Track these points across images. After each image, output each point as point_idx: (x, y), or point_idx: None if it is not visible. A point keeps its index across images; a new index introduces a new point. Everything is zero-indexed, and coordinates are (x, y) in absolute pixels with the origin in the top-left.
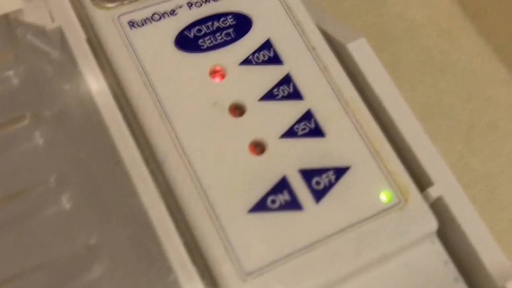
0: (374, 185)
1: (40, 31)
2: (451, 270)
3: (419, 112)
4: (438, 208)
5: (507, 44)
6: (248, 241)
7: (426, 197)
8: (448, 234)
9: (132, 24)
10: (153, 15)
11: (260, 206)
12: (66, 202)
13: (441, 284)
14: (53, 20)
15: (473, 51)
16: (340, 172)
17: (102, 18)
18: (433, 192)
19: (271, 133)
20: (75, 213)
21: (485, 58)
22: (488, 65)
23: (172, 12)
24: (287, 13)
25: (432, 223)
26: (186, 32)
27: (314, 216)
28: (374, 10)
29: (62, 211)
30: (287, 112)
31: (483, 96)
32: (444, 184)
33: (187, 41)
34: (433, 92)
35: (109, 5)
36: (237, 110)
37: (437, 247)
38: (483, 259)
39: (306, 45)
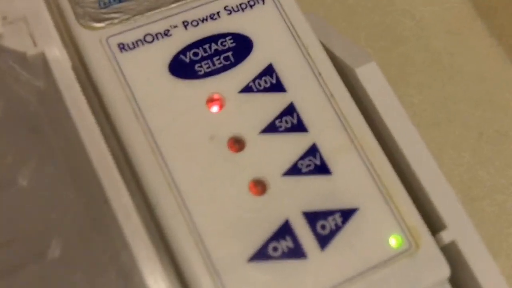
0: (383, 229)
1: (21, 57)
2: None
3: (425, 118)
4: (451, 253)
5: None
6: None
7: (438, 241)
8: (460, 279)
9: (122, 46)
10: (145, 36)
11: (261, 255)
12: (51, 253)
13: None
14: (35, 45)
15: (482, 52)
16: (347, 214)
17: (89, 39)
18: (446, 236)
19: (273, 171)
20: (61, 267)
21: (496, 60)
22: (499, 68)
23: (166, 33)
24: (291, 33)
25: (444, 270)
26: (181, 56)
27: (319, 265)
28: (381, 8)
29: (46, 265)
30: (291, 147)
31: (493, 102)
32: (458, 228)
33: (182, 66)
34: (441, 97)
35: (97, 25)
36: (237, 144)
37: None
38: None
39: (312, 70)
